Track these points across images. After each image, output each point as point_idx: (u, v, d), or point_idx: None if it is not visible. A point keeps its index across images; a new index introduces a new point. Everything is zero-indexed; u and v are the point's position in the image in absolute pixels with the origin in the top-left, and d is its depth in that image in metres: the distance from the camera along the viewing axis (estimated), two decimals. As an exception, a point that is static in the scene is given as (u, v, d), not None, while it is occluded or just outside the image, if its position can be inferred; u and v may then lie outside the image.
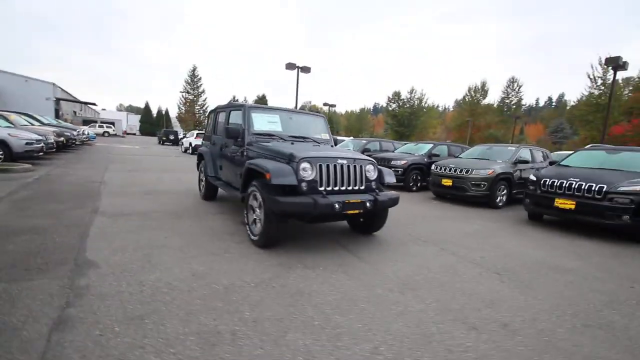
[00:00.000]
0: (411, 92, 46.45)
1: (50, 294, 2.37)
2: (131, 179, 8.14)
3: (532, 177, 5.92)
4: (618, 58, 14.77)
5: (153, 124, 57.36)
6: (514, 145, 8.27)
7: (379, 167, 4.12)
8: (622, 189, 4.80)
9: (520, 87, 44.68)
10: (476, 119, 41.00)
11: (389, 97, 50.17)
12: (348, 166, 3.77)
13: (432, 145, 10.26)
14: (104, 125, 39.25)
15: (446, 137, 46.09)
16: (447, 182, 7.66)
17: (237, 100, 37.14)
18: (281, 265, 3.20)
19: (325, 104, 34.61)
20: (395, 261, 3.56)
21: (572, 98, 71.38)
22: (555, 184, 5.40)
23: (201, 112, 45.17)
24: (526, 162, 7.79)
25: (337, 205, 3.39)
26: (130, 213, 4.81)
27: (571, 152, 7.43)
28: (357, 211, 3.63)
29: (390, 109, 48.46)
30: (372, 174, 3.98)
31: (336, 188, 3.67)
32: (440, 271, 3.36)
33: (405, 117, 44.95)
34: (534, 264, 3.73)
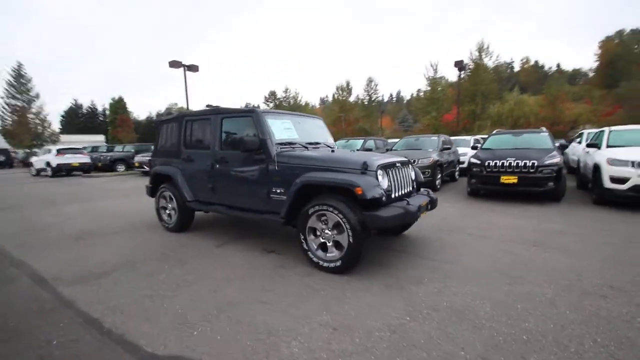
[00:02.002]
0: (286, 91, 47.92)
1: None
2: (20, 220, 5.66)
3: (476, 161, 7.08)
4: (462, 61, 19.12)
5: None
6: (435, 135, 9.68)
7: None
8: (546, 162, 6.29)
9: (376, 85, 52.02)
10: (346, 114, 45.56)
11: (265, 97, 50.39)
12: (402, 169, 3.66)
13: (363, 140, 10.94)
14: None
15: (325, 132, 49.62)
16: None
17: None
18: (398, 286, 2.87)
19: (208, 106, 31.69)
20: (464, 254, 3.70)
21: (407, 94, 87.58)
22: (498, 164, 6.62)
23: (39, 122, 32.56)
24: (448, 148, 9.24)
25: (418, 212, 3.28)
26: (104, 272, 3.37)
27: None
28: (425, 213, 3.59)
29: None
30: (414, 175, 3.98)
31: (401, 193, 3.52)
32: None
33: (285, 116, 45.92)
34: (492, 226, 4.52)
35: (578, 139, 9.95)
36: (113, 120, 47.24)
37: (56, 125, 45.81)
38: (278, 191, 3.63)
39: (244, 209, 4.02)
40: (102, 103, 58.85)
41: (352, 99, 49.57)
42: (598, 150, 6.55)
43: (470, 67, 37.04)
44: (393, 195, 3.36)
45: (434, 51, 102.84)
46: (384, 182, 3.20)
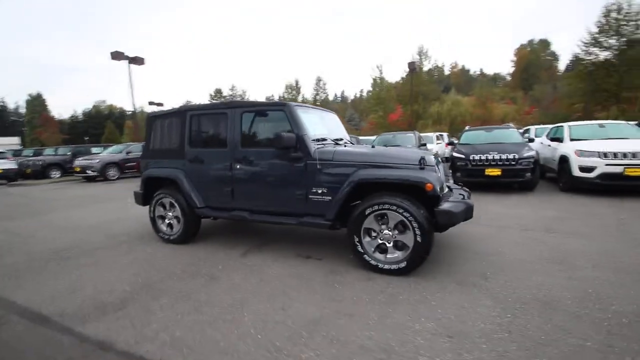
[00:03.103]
0: (232, 88, 46.16)
1: None
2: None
3: (460, 155, 7.45)
4: (413, 63, 20.21)
5: None
6: (411, 132, 10.02)
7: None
8: (525, 155, 6.85)
9: (325, 84, 52.72)
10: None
11: (211, 95, 47.94)
12: (440, 164, 3.63)
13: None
14: None
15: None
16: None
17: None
18: (469, 283, 2.79)
19: (151, 103, 28.91)
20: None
21: (350, 94, 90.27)
22: (482, 158, 7.05)
23: None
24: (425, 144, 9.63)
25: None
26: (123, 299, 2.75)
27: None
28: (468, 207, 3.60)
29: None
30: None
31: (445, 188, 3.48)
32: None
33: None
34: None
35: (526, 135, 11.13)
36: (31, 120, 40.81)
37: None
38: (319, 191, 3.34)
39: (274, 213, 3.63)
40: (15, 100, 50.50)
41: (300, 98, 49.54)
42: (561, 143, 7.33)
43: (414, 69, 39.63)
44: (444, 191, 3.30)
45: (374, 53, 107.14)
46: (442, 177, 3.12)
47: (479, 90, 40.29)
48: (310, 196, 3.38)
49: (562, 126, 7.89)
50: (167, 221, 4.28)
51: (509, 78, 64.60)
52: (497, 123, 35.39)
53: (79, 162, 12.63)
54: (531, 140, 7.84)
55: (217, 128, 3.90)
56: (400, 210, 2.87)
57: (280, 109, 3.52)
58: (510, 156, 6.82)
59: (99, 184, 12.13)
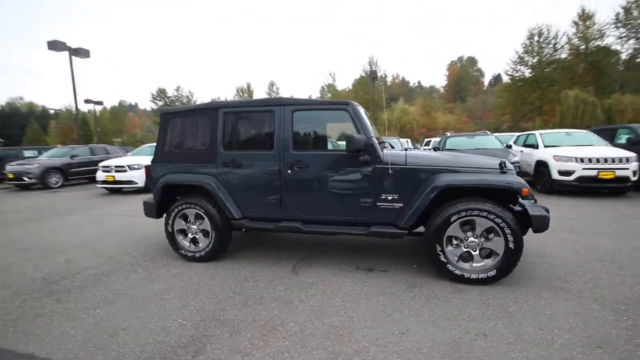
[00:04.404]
0: (177, 89, 43.31)
1: None
2: None
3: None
4: (375, 72, 20.89)
5: None
6: (395, 137, 10.20)
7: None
8: (512, 160, 7.35)
9: (278, 89, 52.08)
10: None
11: (152, 95, 44.34)
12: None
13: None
14: None
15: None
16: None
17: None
18: (555, 287, 2.76)
19: (87, 101, 25.32)
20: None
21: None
22: (474, 163, 7.40)
23: None
24: (411, 149, 9.87)
25: None
26: (191, 339, 2.20)
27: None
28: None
29: (156, 108, 43.07)
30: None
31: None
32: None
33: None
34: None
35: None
36: None
37: None
38: (389, 198, 3.09)
39: (334, 223, 3.28)
40: None
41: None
42: (536, 149, 8.04)
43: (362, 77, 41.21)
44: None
45: (323, 59, 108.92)
46: (519, 181, 3.10)
47: (424, 100, 43.36)
48: (378, 203, 3.11)
49: (533, 134, 8.67)
50: (190, 236, 3.64)
51: (442, 90, 70.73)
52: (441, 131, 38.43)
53: (12, 167, 10.45)
54: (509, 147, 8.46)
55: (260, 128, 3.42)
56: (492, 217, 2.75)
57: (343, 109, 3.20)
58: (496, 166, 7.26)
59: (40, 192, 10.19)
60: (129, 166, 9.01)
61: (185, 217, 3.62)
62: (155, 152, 3.79)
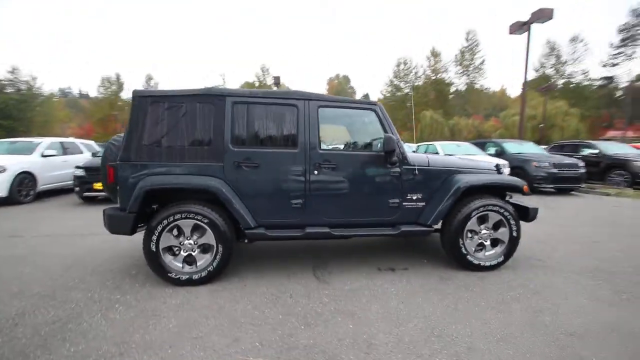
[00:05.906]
0: (12, 71, 33.25)
1: None
2: None
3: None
4: (279, 77, 20.97)
5: None
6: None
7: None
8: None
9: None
10: (121, 113, 37.50)
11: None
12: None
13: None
14: None
15: (87, 132, 37.93)
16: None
17: None
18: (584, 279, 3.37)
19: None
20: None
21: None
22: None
23: None
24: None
25: None
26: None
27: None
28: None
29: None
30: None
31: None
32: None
33: (12, 107, 31.57)
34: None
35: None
36: None
37: None
38: (414, 197, 3.22)
39: (362, 225, 3.17)
40: None
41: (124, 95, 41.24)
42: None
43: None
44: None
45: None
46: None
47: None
48: (404, 203, 3.19)
49: (433, 144, 10.38)
50: (182, 254, 2.86)
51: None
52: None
53: None
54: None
55: (280, 123, 2.99)
56: (502, 210, 3.20)
57: (371, 109, 3.15)
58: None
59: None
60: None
61: (177, 231, 2.84)
62: (125, 148, 2.83)
